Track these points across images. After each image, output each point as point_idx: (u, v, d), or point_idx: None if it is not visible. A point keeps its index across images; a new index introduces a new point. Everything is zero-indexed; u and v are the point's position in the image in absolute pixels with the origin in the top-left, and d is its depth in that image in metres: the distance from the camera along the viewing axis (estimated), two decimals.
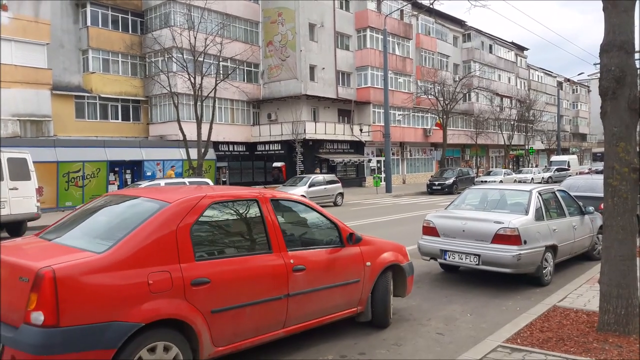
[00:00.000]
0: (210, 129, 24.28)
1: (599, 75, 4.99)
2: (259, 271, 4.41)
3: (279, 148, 33.88)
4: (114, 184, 25.64)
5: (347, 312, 5.31)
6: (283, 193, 5.74)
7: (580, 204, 8.96)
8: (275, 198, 4.96)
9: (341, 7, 37.09)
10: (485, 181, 31.93)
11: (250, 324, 4.34)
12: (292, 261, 4.66)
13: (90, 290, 3.47)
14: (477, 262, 7.23)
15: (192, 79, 23.37)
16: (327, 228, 5.34)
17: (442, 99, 37.90)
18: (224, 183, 33.24)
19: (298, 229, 5.28)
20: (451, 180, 30.17)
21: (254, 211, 4.72)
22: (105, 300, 3.51)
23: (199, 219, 4.19)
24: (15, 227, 14.56)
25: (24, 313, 3.37)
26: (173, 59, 25.91)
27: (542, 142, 62.75)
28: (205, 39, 23.38)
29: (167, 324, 3.79)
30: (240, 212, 4.76)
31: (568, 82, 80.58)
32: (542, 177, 38.20)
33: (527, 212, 7.50)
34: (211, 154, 27.69)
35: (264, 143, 34.79)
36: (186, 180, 18.16)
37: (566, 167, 42.84)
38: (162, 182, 17.04)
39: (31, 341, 3.29)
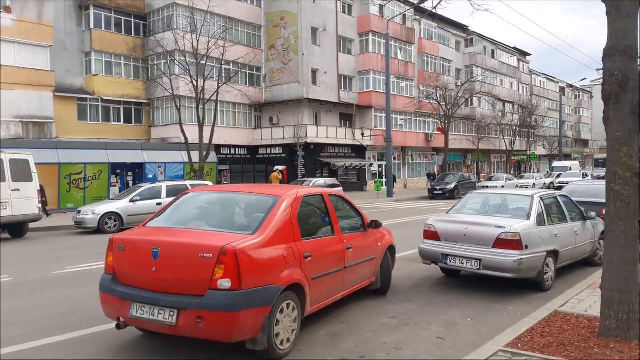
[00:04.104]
0: (212, 132, 24.29)
1: (601, 80, 4.98)
2: (331, 249, 5.72)
3: (281, 152, 33.90)
4: (115, 186, 25.66)
5: (368, 282, 6.76)
6: (333, 190, 7.08)
7: (582, 209, 8.93)
8: (330, 194, 6.35)
9: (344, 12, 37.18)
10: (487, 186, 31.89)
11: (327, 289, 5.60)
12: (345, 241, 5.99)
13: (256, 261, 4.52)
14: (478, 267, 7.20)
15: (194, 82, 23.41)
16: (356, 216, 6.77)
17: (444, 103, 37.89)
18: None
19: (342, 217, 6.41)
20: (453, 185, 30.13)
21: (322, 203, 6.02)
22: (264, 269, 4.59)
23: (300, 208, 5.37)
24: (17, 228, 14.58)
25: (209, 282, 4.31)
26: (175, 61, 25.97)
27: (544, 148, 62.67)
28: (208, 42, 23.43)
29: (291, 288, 4.83)
30: (315, 204, 6.00)
31: (570, 88, 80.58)
32: (544, 183, 38.13)
33: (528, 217, 7.48)
34: (213, 157, 27.70)
35: (266, 146, 34.82)
36: (187, 183, 18.16)
37: None
38: (164, 185, 17.06)
39: (223, 302, 4.25)
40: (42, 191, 18.86)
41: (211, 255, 4.33)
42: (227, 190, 6.19)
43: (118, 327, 4.84)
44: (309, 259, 5.14)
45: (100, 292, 4.93)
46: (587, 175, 37.19)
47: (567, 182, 33.17)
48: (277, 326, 4.65)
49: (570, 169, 44.37)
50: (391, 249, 7.35)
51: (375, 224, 6.81)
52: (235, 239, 4.51)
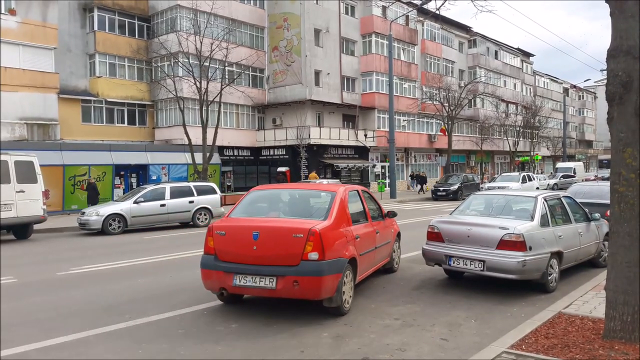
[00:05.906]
0: (216, 133, 24.33)
1: (605, 81, 4.96)
2: (368, 232, 7.19)
3: (284, 153, 33.92)
4: (119, 187, 25.71)
5: (385, 261, 8.32)
6: (360, 187, 8.14)
7: (586, 210, 8.91)
8: (362, 190, 7.81)
9: (347, 13, 37.17)
10: (491, 187, 31.76)
11: (366, 264, 7.07)
12: (374, 227, 7.47)
13: (332, 239, 5.96)
14: (481, 268, 7.18)
15: (197, 83, 23.46)
16: (376, 207, 8.13)
17: (447, 104, 37.83)
18: (229, 187, 33.28)
19: (369, 208, 7.70)
20: (456, 186, 30.05)
21: (358, 196, 7.44)
22: (336, 245, 6.02)
23: (348, 200, 6.80)
24: (21, 229, 14.64)
25: (301, 255, 5.71)
26: (179, 63, 26.01)
27: (547, 149, 62.47)
28: (211, 44, 23.47)
29: (349, 261, 6.21)
30: (355, 197, 7.33)
31: (574, 89, 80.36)
32: (548, 184, 38.00)
33: (532, 218, 7.46)
34: (216, 158, 27.74)
35: (269, 148, 34.85)
36: (191, 184, 18.20)
37: (572, 174, 42.60)
38: (167, 186, 17.10)
39: (314, 269, 5.69)
40: (95, 189, 19.52)
41: (302, 235, 5.74)
42: (288, 188, 7.88)
43: (221, 295, 6.28)
44: (358, 239, 6.60)
45: (203, 270, 6.19)
46: (531, 179, 32.46)
47: (498, 187, 30.33)
48: (343, 290, 6.01)
49: (574, 170, 44.25)
50: (398, 236, 9.05)
51: (392, 214, 8.42)
52: (315, 224, 5.90)
